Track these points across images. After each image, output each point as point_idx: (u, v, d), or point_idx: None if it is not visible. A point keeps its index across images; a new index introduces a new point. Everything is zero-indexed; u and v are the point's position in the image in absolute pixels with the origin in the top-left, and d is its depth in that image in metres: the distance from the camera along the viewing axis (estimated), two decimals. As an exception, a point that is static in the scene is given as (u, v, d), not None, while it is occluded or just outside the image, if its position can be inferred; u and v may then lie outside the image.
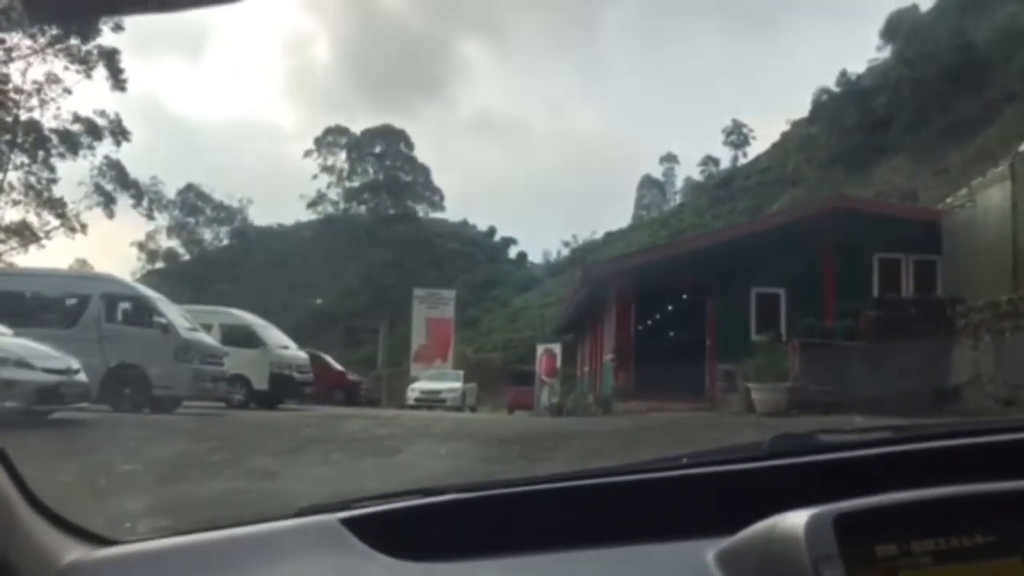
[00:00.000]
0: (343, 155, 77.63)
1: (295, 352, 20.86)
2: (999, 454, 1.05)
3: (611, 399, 18.09)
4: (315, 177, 76.59)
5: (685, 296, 19.04)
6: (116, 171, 44.01)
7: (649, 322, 20.98)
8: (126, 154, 44.59)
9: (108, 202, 43.27)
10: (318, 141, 77.48)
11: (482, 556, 1.01)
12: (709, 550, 0.96)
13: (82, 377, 10.75)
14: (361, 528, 1.06)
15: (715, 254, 17.20)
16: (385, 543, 1.03)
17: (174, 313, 15.05)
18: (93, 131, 41.48)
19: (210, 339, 16.01)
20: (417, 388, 29.42)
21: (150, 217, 50.22)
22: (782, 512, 0.90)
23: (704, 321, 17.80)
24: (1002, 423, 1.17)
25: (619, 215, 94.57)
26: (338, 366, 28.68)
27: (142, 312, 14.53)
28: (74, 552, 1.04)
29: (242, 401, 18.76)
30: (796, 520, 0.86)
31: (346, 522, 1.07)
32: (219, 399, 16.09)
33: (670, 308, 19.91)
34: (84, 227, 40.05)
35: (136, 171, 46.36)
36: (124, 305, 14.67)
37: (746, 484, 1.08)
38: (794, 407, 12.84)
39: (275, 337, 20.70)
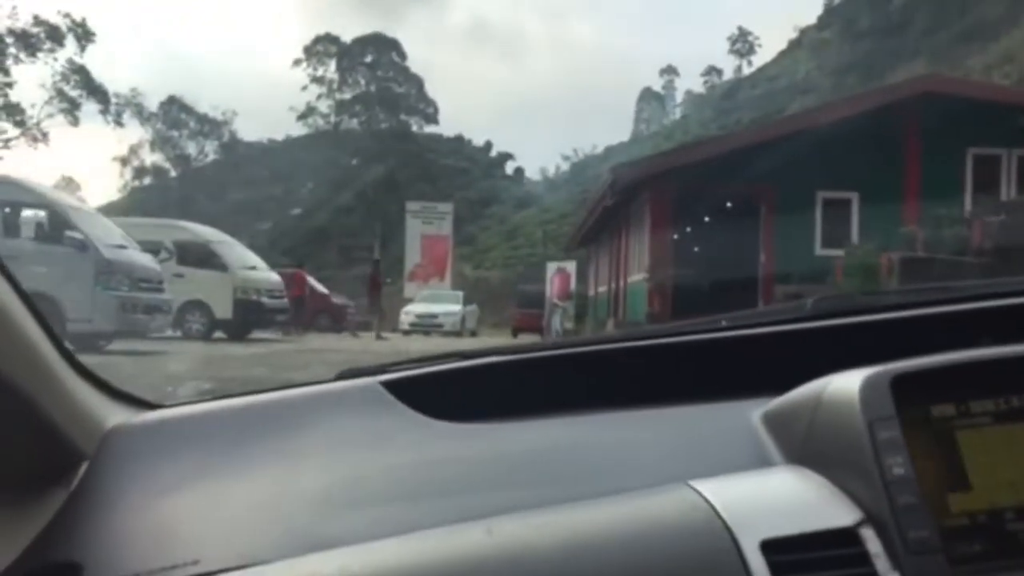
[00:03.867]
0: (333, 65, 74.79)
1: (265, 273, 17.77)
2: None
3: (643, 326, 15.22)
4: (304, 88, 74.15)
5: (732, 204, 15.82)
6: (81, 76, 40.24)
7: (689, 234, 17.80)
8: (103, 65, 41.51)
9: (72, 108, 39.62)
10: (307, 50, 75.36)
11: (525, 417, 0.98)
12: (755, 411, 0.93)
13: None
14: (402, 390, 1.03)
15: (772, 152, 13.95)
16: (426, 404, 1.01)
17: (97, 226, 11.92)
18: (54, 34, 37.89)
19: (147, 259, 12.79)
20: (412, 311, 26.66)
21: (119, 124, 46.31)
22: (828, 373, 0.86)
23: (758, 233, 14.67)
24: None
25: (619, 130, 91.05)
26: (322, 288, 25.61)
27: (53, 225, 11.42)
28: (119, 416, 1.03)
29: (202, 332, 15.98)
30: (850, 381, 0.82)
31: (387, 384, 1.04)
32: (161, 333, 13.11)
33: (715, 218, 16.72)
34: (46, 135, 36.78)
35: (115, 83, 43.07)
36: (28, 215, 11.55)
37: (790, 345, 1.05)
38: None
39: (240, 256, 17.60)
